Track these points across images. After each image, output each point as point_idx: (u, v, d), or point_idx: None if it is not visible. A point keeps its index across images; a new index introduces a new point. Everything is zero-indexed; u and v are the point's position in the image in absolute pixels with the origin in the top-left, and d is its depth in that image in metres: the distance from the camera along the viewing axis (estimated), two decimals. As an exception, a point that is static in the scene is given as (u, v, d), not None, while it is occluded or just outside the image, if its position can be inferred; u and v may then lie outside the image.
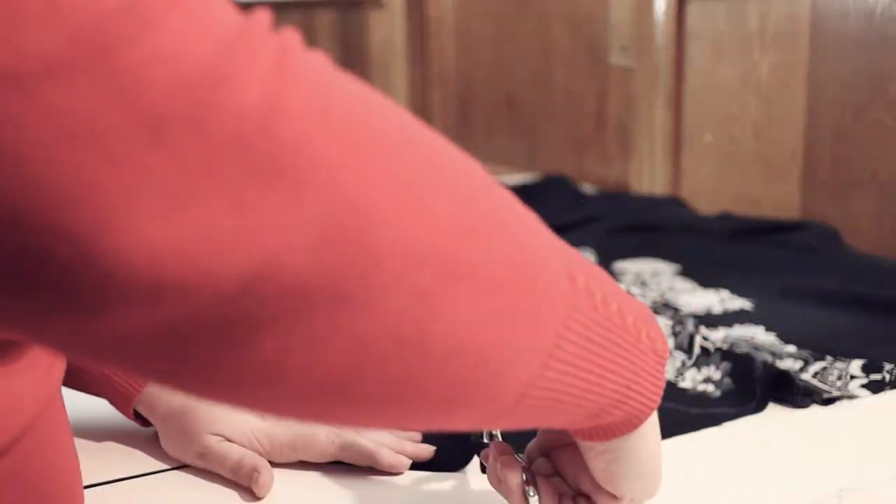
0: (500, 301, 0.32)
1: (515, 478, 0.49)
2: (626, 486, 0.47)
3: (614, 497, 0.48)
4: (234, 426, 0.62)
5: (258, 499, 0.59)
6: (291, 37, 0.28)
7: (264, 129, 0.25)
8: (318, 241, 0.26)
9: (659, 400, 0.43)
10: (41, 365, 0.44)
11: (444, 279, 0.30)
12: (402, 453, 0.63)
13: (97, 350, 0.27)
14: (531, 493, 0.49)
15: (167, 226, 0.24)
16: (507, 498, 0.50)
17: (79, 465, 0.51)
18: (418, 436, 0.66)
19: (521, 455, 0.52)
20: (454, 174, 0.32)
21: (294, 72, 0.27)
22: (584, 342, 0.37)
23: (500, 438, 0.52)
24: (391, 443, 0.63)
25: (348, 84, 0.29)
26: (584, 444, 0.46)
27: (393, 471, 0.62)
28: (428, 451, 0.64)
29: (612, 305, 0.39)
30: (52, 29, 0.23)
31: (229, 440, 0.62)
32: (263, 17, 0.27)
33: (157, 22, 0.24)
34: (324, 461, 0.63)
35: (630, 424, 0.43)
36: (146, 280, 0.24)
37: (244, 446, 0.62)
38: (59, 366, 0.47)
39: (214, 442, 0.62)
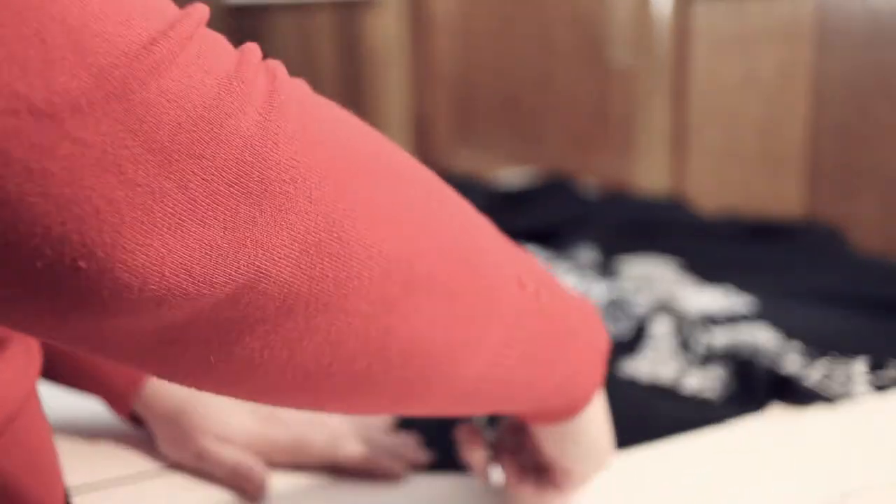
0: (455, 306, 0.37)
1: (478, 453, 0.55)
2: (575, 464, 0.53)
3: (567, 471, 0.53)
4: (231, 428, 0.62)
5: (254, 501, 0.59)
6: (277, 67, 0.32)
7: (258, 155, 0.29)
8: (299, 254, 0.31)
9: (596, 388, 0.49)
10: (18, 363, 0.45)
11: (408, 288, 0.35)
12: (399, 459, 0.62)
13: (104, 346, 0.30)
14: (494, 468, 0.54)
15: (173, 242, 0.28)
16: (474, 473, 0.54)
17: (59, 462, 0.51)
18: (416, 440, 0.66)
19: (492, 430, 0.57)
20: (420, 190, 0.37)
21: (283, 100, 0.31)
22: (529, 340, 0.43)
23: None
24: (389, 448, 0.63)
25: (327, 108, 0.34)
26: (535, 429, 0.52)
27: (390, 475, 0.62)
28: (426, 457, 0.63)
29: (556, 308, 0.45)
30: (78, 69, 0.26)
31: (226, 442, 0.62)
32: (254, 50, 0.31)
33: (167, 63, 0.28)
34: (321, 465, 0.63)
35: (571, 409, 0.49)
36: (152, 288, 0.28)
37: (241, 448, 0.62)
38: (36, 364, 0.48)
39: (211, 444, 0.61)
